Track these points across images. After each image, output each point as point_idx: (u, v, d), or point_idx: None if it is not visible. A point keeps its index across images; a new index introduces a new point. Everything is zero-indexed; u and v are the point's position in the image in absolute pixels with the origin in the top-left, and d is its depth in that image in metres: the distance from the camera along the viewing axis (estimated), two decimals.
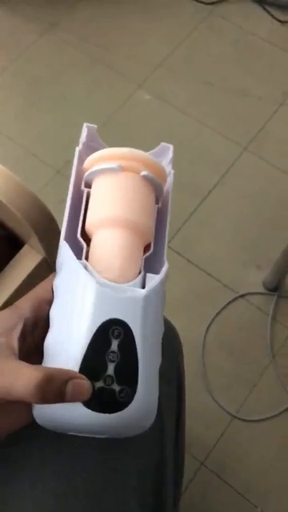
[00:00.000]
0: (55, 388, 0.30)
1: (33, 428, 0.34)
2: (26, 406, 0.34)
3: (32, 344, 0.35)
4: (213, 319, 1.11)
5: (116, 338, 0.34)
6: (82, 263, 0.36)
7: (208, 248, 1.19)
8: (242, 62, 1.45)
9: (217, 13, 1.52)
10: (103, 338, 0.33)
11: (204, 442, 1.00)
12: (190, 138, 1.32)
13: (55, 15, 1.49)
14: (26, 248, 0.61)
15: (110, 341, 0.33)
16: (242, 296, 1.14)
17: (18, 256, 0.61)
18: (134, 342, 0.34)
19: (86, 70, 1.42)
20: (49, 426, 0.34)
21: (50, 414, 0.34)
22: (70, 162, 0.39)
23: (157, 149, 0.43)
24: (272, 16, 1.51)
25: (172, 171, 0.41)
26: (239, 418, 1.02)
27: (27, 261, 0.61)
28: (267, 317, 1.11)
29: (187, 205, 1.23)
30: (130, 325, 0.34)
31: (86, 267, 0.36)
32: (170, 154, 0.42)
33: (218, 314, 1.12)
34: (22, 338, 0.34)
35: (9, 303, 0.59)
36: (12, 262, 0.60)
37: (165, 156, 0.43)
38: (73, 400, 0.31)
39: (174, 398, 0.52)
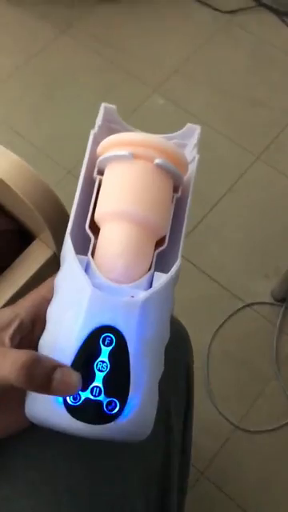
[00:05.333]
0: (42, 372, 0.29)
1: (32, 426, 0.33)
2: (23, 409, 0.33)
3: (31, 343, 0.34)
4: (219, 327, 1.10)
5: (107, 346, 0.31)
6: (84, 259, 0.34)
7: (216, 255, 1.17)
8: (257, 71, 1.45)
9: (234, 21, 1.52)
10: (93, 346, 0.31)
11: (205, 452, 0.98)
12: (203, 145, 1.27)
13: (73, 16, 1.50)
14: (36, 242, 0.60)
15: (100, 349, 0.31)
16: (248, 305, 1.12)
17: (28, 250, 0.60)
18: (127, 351, 0.32)
19: (101, 72, 1.42)
20: (41, 426, 0.33)
21: (38, 416, 0.32)
22: (82, 163, 0.37)
23: (182, 130, 0.39)
24: None
25: (197, 156, 0.37)
26: (241, 429, 1.01)
27: (37, 255, 0.60)
28: (274, 327, 1.10)
29: (197, 211, 1.22)
30: (124, 332, 0.32)
31: (88, 264, 0.33)
32: (196, 137, 0.38)
33: (224, 323, 1.10)
34: (16, 336, 0.33)
35: (17, 297, 0.58)
36: (22, 256, 0.60)
37: (191, 139, 0.39)
38: (59, 391, 0.29)
39: (183, 400, 0.51)
